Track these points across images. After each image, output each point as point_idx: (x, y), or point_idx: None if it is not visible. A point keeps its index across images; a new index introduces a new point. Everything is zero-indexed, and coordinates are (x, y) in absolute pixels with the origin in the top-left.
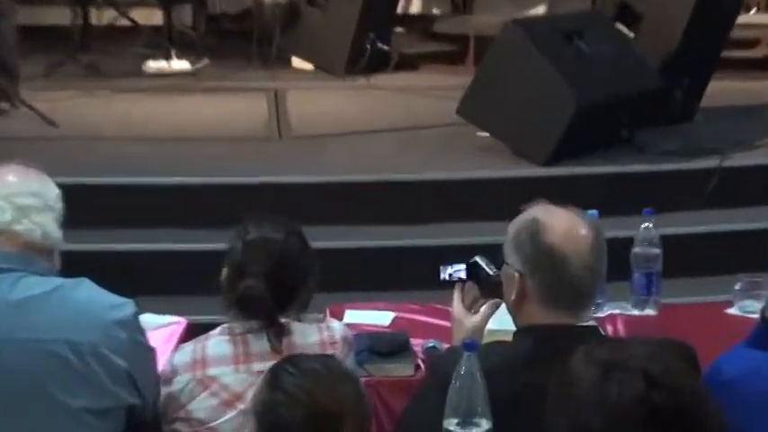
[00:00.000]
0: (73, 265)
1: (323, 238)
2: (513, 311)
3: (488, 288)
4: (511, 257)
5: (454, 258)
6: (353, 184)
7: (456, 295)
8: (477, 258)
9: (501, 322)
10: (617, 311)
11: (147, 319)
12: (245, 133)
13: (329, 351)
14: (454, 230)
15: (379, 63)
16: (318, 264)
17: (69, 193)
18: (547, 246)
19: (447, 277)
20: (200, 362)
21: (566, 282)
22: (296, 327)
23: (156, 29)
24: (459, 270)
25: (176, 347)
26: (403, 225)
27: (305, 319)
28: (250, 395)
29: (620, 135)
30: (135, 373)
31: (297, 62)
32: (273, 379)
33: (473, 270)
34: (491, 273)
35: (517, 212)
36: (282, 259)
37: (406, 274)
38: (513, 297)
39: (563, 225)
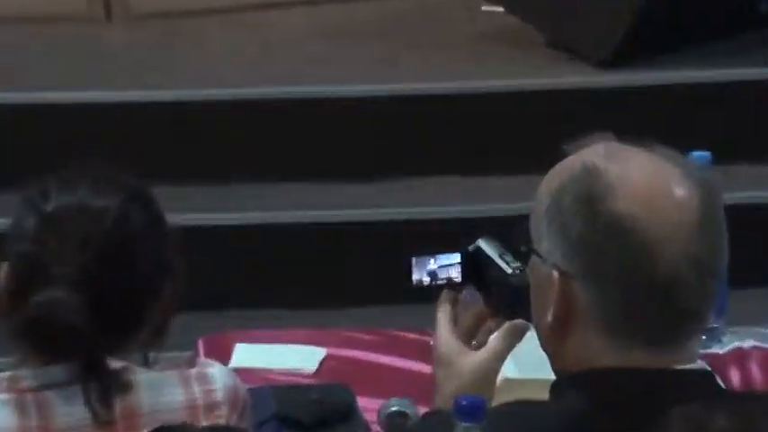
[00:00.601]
0: None
1: (194, 209)
2: (552, 343)
3: (503, 300)
4: (546, 242)
5: (438, 244)
6: (248, 103)
7: (442, 314)
8: (482, 244)
9: (527, 364)
10: (749, 343)
11: None
12: (49, 11)
13: (203, 421)
14: (438, 191)
15: None
16: (182, 258)
17: None
18: (613, 218)
19: (426, 279)
20: None
21: (650, 287)
22: (141, 377)
23: None
24: (449, 265)
25: None
26: (343, 182)
27: (158, 361)
28: None
29: (753, 12)
30: None
31: None
32: None
33: (475, 265)
34: (508, 271)
35: (558, 158)
36: (114, 249)
37: (350, 275)
38: (550, 317)
39: (643, 181)
